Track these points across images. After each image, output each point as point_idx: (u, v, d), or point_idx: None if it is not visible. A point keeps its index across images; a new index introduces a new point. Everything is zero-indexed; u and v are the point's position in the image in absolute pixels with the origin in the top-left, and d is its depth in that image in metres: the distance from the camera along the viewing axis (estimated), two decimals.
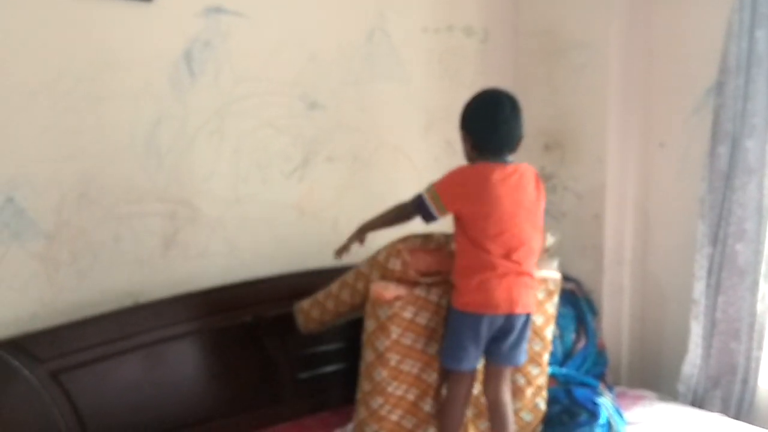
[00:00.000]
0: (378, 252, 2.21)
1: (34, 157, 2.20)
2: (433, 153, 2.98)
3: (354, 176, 2.84)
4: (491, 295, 2.03)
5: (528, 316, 2.12)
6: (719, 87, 2.58)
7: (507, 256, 2.04)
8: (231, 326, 2.48)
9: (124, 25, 2.32)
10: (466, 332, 2.07)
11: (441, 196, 2.08)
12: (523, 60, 3.18)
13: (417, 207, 2.12)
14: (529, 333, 2.15)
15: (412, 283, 2.15)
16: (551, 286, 2.36)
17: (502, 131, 2.07)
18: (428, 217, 2.11)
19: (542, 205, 2.16)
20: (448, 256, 2.15)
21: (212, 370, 2.44)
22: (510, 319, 2.07)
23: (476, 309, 2.04)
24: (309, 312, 2.38)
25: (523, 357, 2.16)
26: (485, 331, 2.06)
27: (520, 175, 2.09)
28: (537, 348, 2.35)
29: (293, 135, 2.68)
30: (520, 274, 2.06)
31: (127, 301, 2.38)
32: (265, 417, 2.47)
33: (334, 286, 2.31)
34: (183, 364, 2.39)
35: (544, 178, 3.11)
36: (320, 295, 2.35)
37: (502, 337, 2.09)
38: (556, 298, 2.38)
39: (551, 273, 2.36)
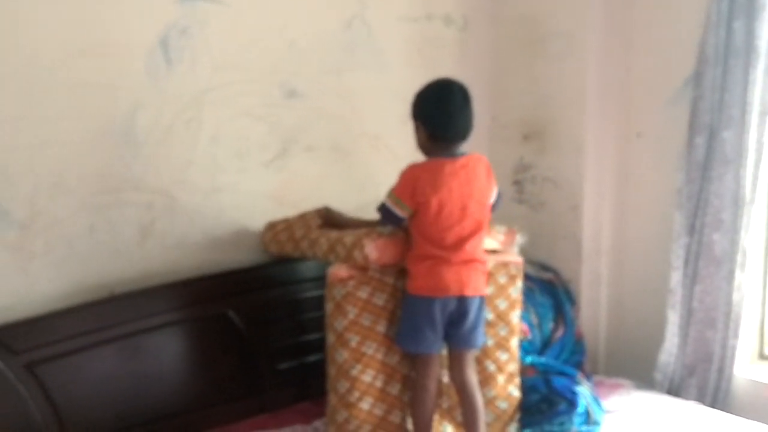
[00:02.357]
0: (347, 234, 2.26)
1: (7, 146, 2.16)
2: (412, 142, 2.94)
3: (333, 166, 2.82)
4: (441, 278, 2.11)
5: (481, 299, 2.19)
6: (697, 78, 2.60)
7: (457, 246, 2.13)
8: (209, 317, 2.46)
9: (100, 11, 2.28)
10: (420, 315, 2.14)
11: (400, 197, 2.15)
12: (502, 49, 3.17)
13: (384, 216, 2.20)
14: (484, 315, 2.22)
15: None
16: (513, 271, 2.38)
17: (457, 120, 2.15)
18: (396, 221, 2.19)
19: (494, 193, 2.23)
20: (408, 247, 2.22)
21: (191, 361, 2.42)
22: (462, 302, 2.14)
23: (427, 292, 2.13)
24: (278, 233, 2.49)
25: (480, 339, 2.23)
26: (438, 314, 2.13)
27: (471, 166, 2.17)
28: (503, 333, 2.37)
29: (272, 124, 2.66)
30: (470, 261, 2.15)
31: (104, 293, 2.34)
32: (245, 408, 2.47)
33: (317, 233, 2.37)
34: (161, 355, 2.37)
35: (523, 168, 3.13)
36: (297, 231, 2.43)
37: (458, 321, 2.15)
38: (519, 283, 2.40)
39: (513, 257, 2.40)
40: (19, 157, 2.18)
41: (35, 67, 2.18)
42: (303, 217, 2.52)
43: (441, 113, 2.14)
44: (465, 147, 2.20)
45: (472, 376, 2.22)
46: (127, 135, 2.36)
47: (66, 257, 2.29)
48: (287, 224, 2.51)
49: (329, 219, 2.52)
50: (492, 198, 2.23)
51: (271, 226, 2.56)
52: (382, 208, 2.19)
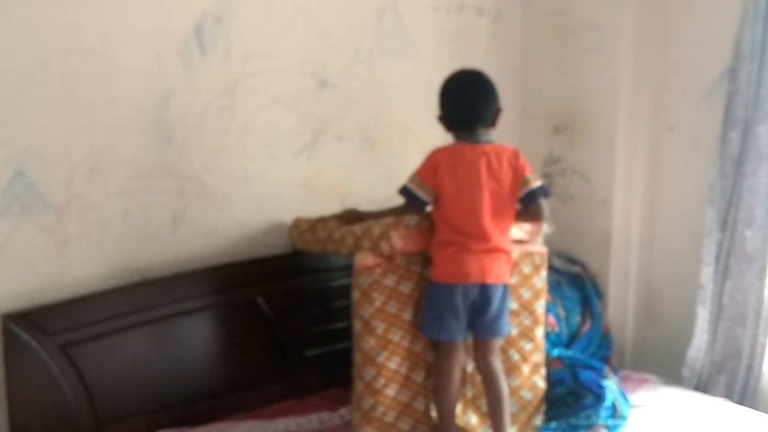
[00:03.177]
0: (374, 225, 2.27)
1: (45, 131, 2.20)
2: (441, 133, 2.94)
3: (363, 155, 2.83)
4: (462, 266, 2.12)
5: (505, 288, 2.19)
6: (732, 72, 2.56)
7: (479, 234, 2.13)
8: (238, 303, 2.49)
9: None
10: (442, 302, 2.15)
11: (423, 180, 2.18)
12: (534, 41, 3.15)
13: (406, 198, 2.21)
14: (508, 305, 2.22)
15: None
16: (537, 261, 2.38)
17: (463, 104, 2.19)
18: (419, 204, 2.20)
19: (528, 184, 2.19)
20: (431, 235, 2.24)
21: (220, 346, 2.45)
22: (485, 290, 2.14)
23: (449, 279, 2.14)
24: (303, 233, 2.54)
25: (505, 328, 2.23)
26: (460, 302, 2.13)
27: (494, 155, 2.16)
28: (527, 323, 2.38)
29: (302, 113, 2.67)
30: (493, 250, 2.14)
31: (136, 277, 2.38)
32: (272, 394, 2.49)
33: (341, 232, 2.38)
34: (191, 340, 2.40)
35: (553, 161, 3.11)
36: (321, 231, 2.46)
37: (482, 310, 2.15)
38: (543, 273, 2.40)
39: (537, 247, 2.40)
40: (55, 142, 2.22)
41: (72, 53, 2.21)
42: (323, 221, 2.51)
43: (451, 99, 2.21)
44: (495, 137, 2.20)
45: (497, 365, 2.22)
46: (161, 122, 2.39)
47: (100, 241, 2.33)
48: (310, 225, 2.53)
49: (353, 217, 2.47)
50: (529, 183, 2.19)
51: (297, 225, 2.59)
52: (404, 191, 2.20)
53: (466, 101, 2.20)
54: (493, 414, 2.20)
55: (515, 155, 2.21)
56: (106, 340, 2.25)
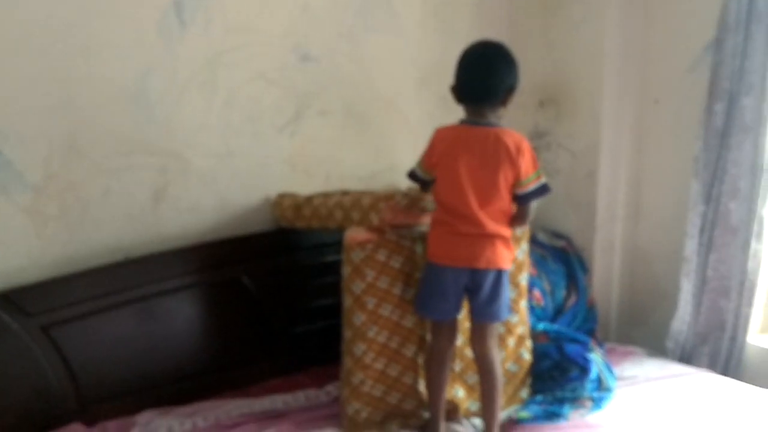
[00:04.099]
0: (364, 196, 2.26)
1: (22, 109, 2.15)
2: (426, 108, 2.93)
3: (347, 131, 2.80)
4: (453, 248, 2.09)
5: (498, 273, 2.11)
6: (718, 44, 2.55)
7: (471, 217, 2.06)
8: (223, 281, 2.47)
9: None
10: (433, 282, 2.13)
11: (422, 160, 2.17)
12: (518, 14, 3.12)
13: (411, 179, 2.22)
14: (504, 289, 2.14)
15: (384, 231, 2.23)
16: (518, 233, 2.35)
17: (472, 78, 2.09)
18: (422, 184, 2.21)
19: (526, 179, 2.09)
20: (426, 214, 2.21)
21: (205, 325, 2.43)
22: (476, 274, 2.09)
23: (439, 260, 2.11)
24: (286, 210, 2.53)
25: (503, 313, 2.18)
26: (451, 284, 2.10)
27: (492, 139, 2.06)
28: (511, 295, 2.36)
29: (285, 88, 2.63)
30: (484, 235, 2.07)
31: (118, 256, 2.35)
32: (259, 372, 2.49)
33: (331, 202, 2.37)
34: (175, 319, 2.38)
35: (538, 135, 3.10)
36: (306, 208, 2.45)
37: (476, 293, 2.12)
38: (524, 245, 2.39)
39: None
40: (32, 119, 2.17)
41: (48, 29, 2.16)
42: (308, 198, 2.50)
43: (462, 70, 2.11)
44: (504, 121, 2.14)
45: (492, 349, 2.17)
46: (140, 98, 2.34)
47: (80, 220, 2.30)
48: (294, 202, 2.52)
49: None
50: (524, 186, 2.08)
51: (280, 202, 2.58)
52: (411, 173, 2.21)
53: (475, 74, 2.09)
54: (485, 400, 2.19)
55: (518, 148, 2.06)
56: (88, 321, 2.22)
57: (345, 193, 2.53)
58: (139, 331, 2.31)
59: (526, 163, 2.08)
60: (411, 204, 2.21)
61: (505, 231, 2.11)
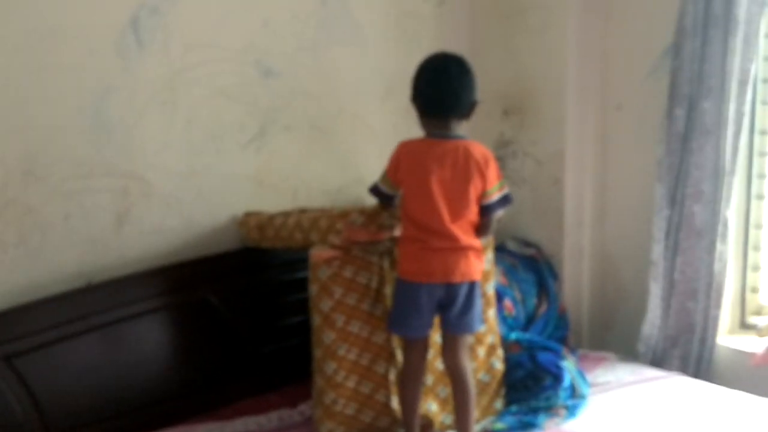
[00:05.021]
0: (322, 217, 2.25)
1: None
2: (391, 120, 2.92)
3: (313, 145, 2.77)
4: (427, 264, 2.06)
5: (471, 285, 2.11)
6: (676, 48, 2.57)
7: (442, 232, 2.05)
8: (190, 303, 2.43)
9: None
10: (407, 300, 2.11)
11: (387, 174, 2.15)
12: (480, 23, 3.13)
13: (373, 194, 2.21)
14: (476, 301, 2.14)
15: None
16: (483, 243, 2.34)
17: (440, 90, 2.07)
18: (384, 198, 2.19)
19: (492, 191, 2.10)
20: (386, 230, 2.20)
21: (173, 348, 2.39)
22: (450, 288, 2.08)
23: (413, 277, 2.09)
24: (251, 230, 2.50)
25: (475, 325, 2.17)
26: (425, 300, 2.08)
27: (460, 152, 2.07)
28: None
29: (248, 104, 2.60)
30: (457, 248, 2.07)
31: (81, 282, 2.30)
32: (230, 393, 2.45)
33: (291, 222, 2.36)
34: (142, 343, 2.34)
35: (504, 144, 3.10)
36: (269, 228, 2.43)
37: (449, 306, 2.11)
38: (490, 254, 2.38)
39: None
40: None
41: (0, 49, 2.10)
42: (271, 217, 2.48)
43: (427, 82, 2.09)
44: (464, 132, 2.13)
45: (464, 361, 2.16)
46: (99, 119, 2.30)
47: (40, 247, 2.24)
48: (258, 222, 2.48)
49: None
50: (489, 196, 2.10)
51: (245, 222, 2.54)
52: (373, 188, 2.19)
53: (444, 87, 2.07)
54: (459, 413, 2.17)
55: (485, 159, 2.09)
56: (53, 349, 2.17)
57: (303, 210, 2.50)
58: (105, 358, 2.26)
59: (491, 174, 2.10)
60: (368, 221, 2.20)
61: (477, 242, 2.12)
